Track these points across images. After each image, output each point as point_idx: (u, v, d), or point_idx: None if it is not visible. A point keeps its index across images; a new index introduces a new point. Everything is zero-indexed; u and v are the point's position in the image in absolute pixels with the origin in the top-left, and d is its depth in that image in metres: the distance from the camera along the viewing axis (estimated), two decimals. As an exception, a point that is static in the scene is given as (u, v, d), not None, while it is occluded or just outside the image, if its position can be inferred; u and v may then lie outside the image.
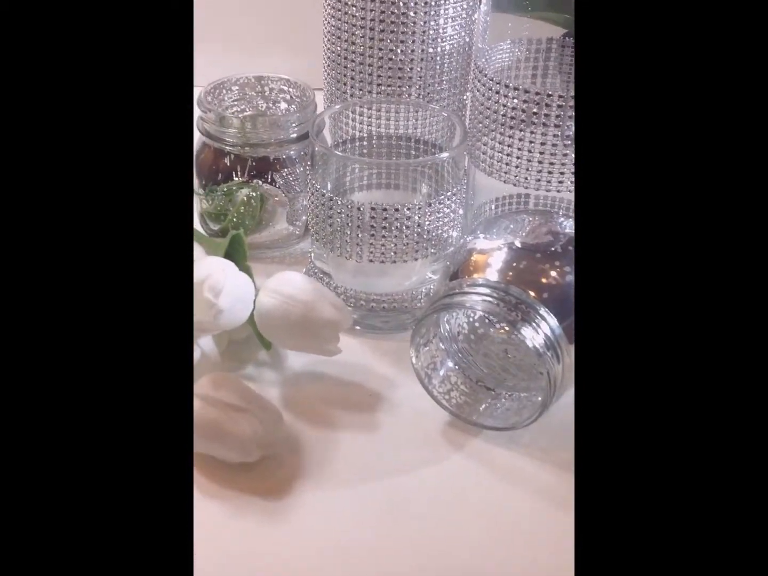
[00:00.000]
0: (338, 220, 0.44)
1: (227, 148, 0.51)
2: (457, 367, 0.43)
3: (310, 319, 0.40)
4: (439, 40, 0.49)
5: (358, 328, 0.47)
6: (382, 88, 0.50)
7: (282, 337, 0.42)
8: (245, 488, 0.38)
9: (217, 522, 0.37)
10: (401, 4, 0.47)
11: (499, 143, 0.46)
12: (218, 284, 0.37)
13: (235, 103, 0.54)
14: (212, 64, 0.73)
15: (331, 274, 0.48)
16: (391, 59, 0.49)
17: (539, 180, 0.46)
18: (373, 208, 0.43)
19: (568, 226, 0.42)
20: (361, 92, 0.50)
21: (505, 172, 0.47)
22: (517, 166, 0.46)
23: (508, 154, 0.46)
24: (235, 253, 0.47)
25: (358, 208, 0.43)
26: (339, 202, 0.44)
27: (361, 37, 0.49)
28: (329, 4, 0.50)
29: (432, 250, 0.45)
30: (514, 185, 0.48)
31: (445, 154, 0.45)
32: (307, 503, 0.38)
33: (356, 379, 0.44)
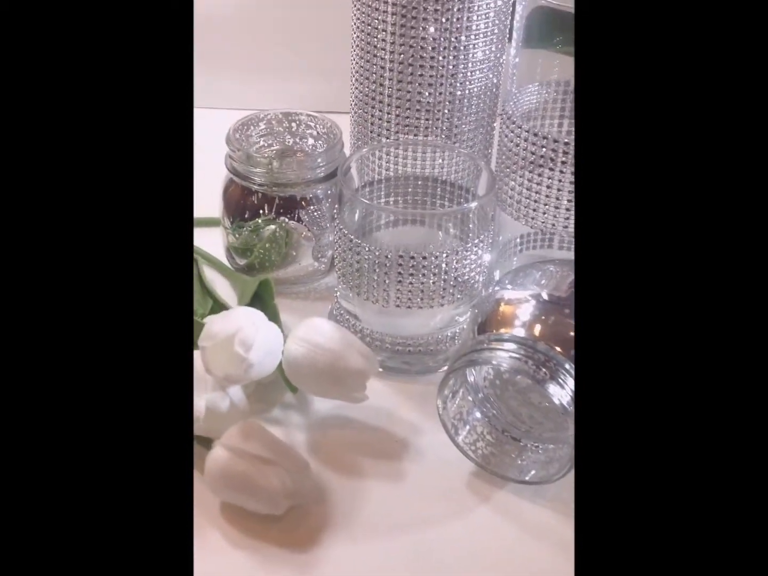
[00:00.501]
0: (365, 265, 0.45)
1: (254, 186, 0.51)
2: (484, 417, 0.43)
3: (337, 368, 0.41)
4: (467, 83, 0.49)
5: (381, 370, 0.47)
6: (409, 129, 0.50)
7: (309, 384, 0.42)
8: (273, 540, 0.38)
9: (245, 574, 0.37)
10: (430, 48, 0.47)
11: (527, 189, 0.46)
12: (249, 339, 0.38)
13: (262, 138, 0.55)
14: (242, 91, 0.74)
15: (357, 315, 0.48)
16: (419, 101, 0.49)
17: (566, 226, 0.46)
18: (400, 256, 0.43)
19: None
20: (387, 131, 0.50)
21: (532, 218, 0.47)
22: (544, 213, 0.46)
23: (535, 201, 0.46)
24: (263, 295, 0.48)
25: (386, 255, 0.44)
26: (366, 248, 0.44)
27: (389, 79, 0.49)
28: (357, 45, 0.50)
29: (458, 296, 0.45)
30: (542, 231, 0.48)
31: (473, 204, 0.45)
32: (334, 555, 0.38)
33: (382, 425, 0.44)
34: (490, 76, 0.50)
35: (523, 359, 0.38)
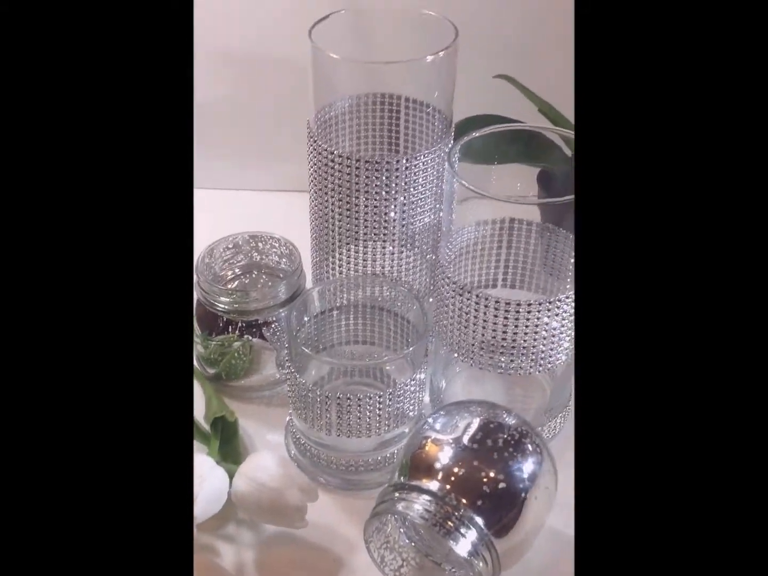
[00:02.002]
0: (314, 405, 0.50)
1: (220, 312, 0.56)
2: (409, 542, 0.48)
3: (278, 504, 0.46)
4: (410, 226, 0.54)
5: (322, 481, 0.53)
6: (366, 242, 0.55)
7: (253, 514, 0.48)
8: None
9: None
10: (384, 178, 0.52)
11: (459, 331, 0.51)
12: (194, 493, 0.43)
13: (231, 255, 0.60)
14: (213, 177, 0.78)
15: (304, 432, 0.53)
16: (375, 228, 0.54)
17: (502, 365, 0.52)
18: (348, 398, 0.49)
19: (511, 418, 0.48)
20: (340, 243, 0.55)
21: (468, 354, 0.52)
22: (481, 349, 0.51)
23: (472, 343, 0.51)
24: (219, 429, 0.54)
25: (327, 396, 0.49)
26: (316, 392, 0.49)
27: (347, 203, 0.53)
28: (314, 190, 0.55)
29: (394, 425, 0.51)
30: (470, 365, 0.53)
31: (409, 350, 0.51)
32: None
33: (322, 542, 0.50)
34: (432, 217, 0.55)
35: (431, 513, 0.43)
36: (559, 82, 0.65)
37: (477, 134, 0.52)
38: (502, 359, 0.52)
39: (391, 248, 0.55)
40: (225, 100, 0.73)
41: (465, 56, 0.65)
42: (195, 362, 0.60)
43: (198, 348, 0.59)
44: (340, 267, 0.57)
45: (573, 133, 0.63)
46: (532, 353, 0.51)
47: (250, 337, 0.57)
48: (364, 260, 0.56)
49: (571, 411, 0.57)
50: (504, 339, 0.50)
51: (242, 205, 0.76)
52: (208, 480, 0.44)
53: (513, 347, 0.51)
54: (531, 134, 0.56)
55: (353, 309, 0.56)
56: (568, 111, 0.64)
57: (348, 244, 0.55)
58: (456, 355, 0.52)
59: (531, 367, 0.51)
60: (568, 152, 0.59)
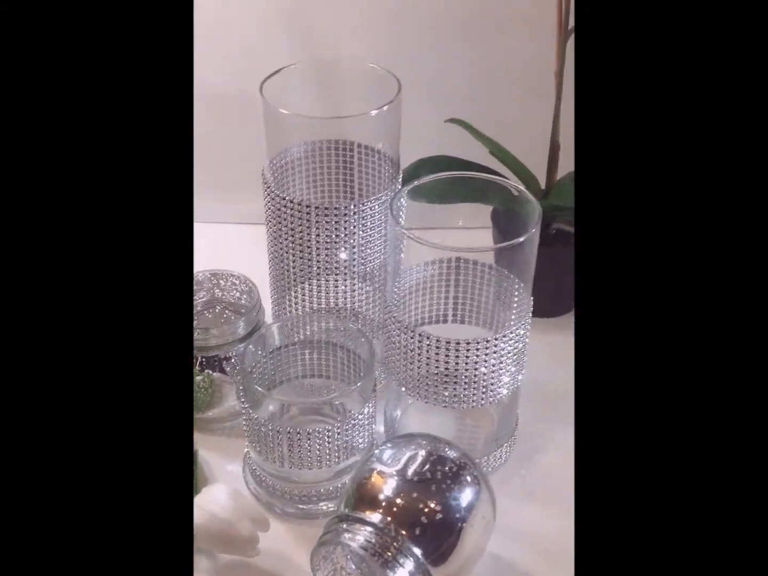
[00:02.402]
0: (267, 439, 0.53)
1: (181, 347, 0.59)
2: (357, 569, 0.51)
3: (229, 534, 0.49)
4: (362, 267, 0.57)
5: (278, 511, 0.55)
6: (319, 279, 0.58)
7: (208, 544, 0.50)
8: None
9: None
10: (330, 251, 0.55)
11: (405, 366, 0.54)
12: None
13: (195, 290, 0.63)
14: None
15: (259, 464, 0.56)
16: (328, 268, 0.57)
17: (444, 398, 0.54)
18: (298, 432, 0.51)
19: (452, 451, 0.50)
20: (295, 282, 0.59)
21: (414, 388, 0.55)
22: (426, 384, 0.54)
23: (417, 378, 0.54)
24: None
25: (278, 430, 0.52)
26: (270, 426, 0.52)
27: (300, 246, 0.56)
28: (270, 234, 0.58)
29: (344, 457, 0.53)
30: (417, 399, 0.56)
31: (357, 385, 0.53)
32: None
33: (277, 569, 0.53)
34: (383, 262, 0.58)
35: (370, 544, 0.46)
36: (508, 124, 0.68)
37: (424, 180, 0.55)
38: (446, 393, 0.55)
39: (343, 287, 0.58)
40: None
41: (419, 102, 0.69)
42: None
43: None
44: (296, 303, 0.60)
45: (517, 175, 0.67)
46: (473, 388, 0.53)
47: (211, 372, 0.60)
48: (318, 297, 0.59)
49: (515, 440, 0.60)
50: (446, 375, 0.53)
51: (203, 238, 0.78)
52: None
53: (455, 382, 0.54)
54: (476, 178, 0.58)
55: (309, 344, 0.58)
56: (517, 151, 0.68)
57: (303, 282, 0.58)
58: (403, 389, 0.55)
59: (473, 401, 0.54)
60: (515, 192, 0.61)
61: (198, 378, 0.60)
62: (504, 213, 0.64)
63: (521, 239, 0.50)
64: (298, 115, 0.52)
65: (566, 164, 0.67)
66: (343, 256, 0.56)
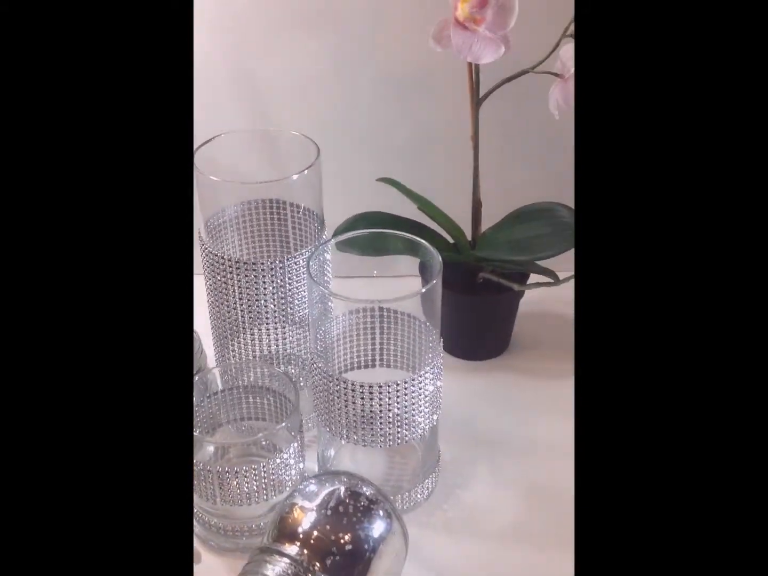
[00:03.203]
0: (200, 479, 0.57)
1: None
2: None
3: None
4: (293, 315, 0.62)
5: (213, 545, 0.60)
6: (253, 328, 0.63)
7: None
8: None
9: None
10: (263, 301, 0.60)
11: (330, 411, 0.59)
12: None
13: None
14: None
15: (196, 502, 0.60)
16: (259, 319, 0.62)
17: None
18: (227, 471, 0.56)
19: (368, 488, 0.55)
20: (233, 332, 0.64)
21: (338, 430, 0.60)
22: (348, 427, 0.59)
23: (340, 421, 0.59)
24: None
25: (208, 469, 0.56)
26: (201, 466, 0.56)
27: (234, 316, 0.62)
28: (208, 290, 0.63)
29: (273, 494, 0.58)
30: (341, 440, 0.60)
31: (282, 425, 0.58)
32: None
33: (210, 600, 0.57)
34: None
35: (288, 574, 0.51)
36: (434, 183, 0.74)
37: (352, 234, 0.61)
38: (365, 434, 0.59)
39: (275, 334, 0.63)
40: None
41: (352, 162, 0.74)
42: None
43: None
44: (235, 351, 0.65)
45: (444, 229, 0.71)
46: (389, 428, 0.58)
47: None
48: (253, 345, 0.64)
49: (438, 473, 0.64)
50: (363, 416, 0.58)
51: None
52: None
53: (372, 423, 0.58)
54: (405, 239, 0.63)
55: (245, 389, 0.63)
56: (444, 207, 0.73)
57: (241, 332, 0.63)
58: (328, 430, 0.60)
59: (389, 440, 0.59)
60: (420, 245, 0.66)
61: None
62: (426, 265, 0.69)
63: (423, 289, 0.56)
64: (228, 182, 0.57)
65: (489, 219, 0.73)
66: (271, 307, 0.61)
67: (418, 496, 0.63)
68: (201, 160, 0.58)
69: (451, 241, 0.74)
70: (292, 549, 0.52)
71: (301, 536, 0.52)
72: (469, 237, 0.74)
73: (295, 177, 0.58)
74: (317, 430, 0.64)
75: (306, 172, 0.58)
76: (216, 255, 0.60)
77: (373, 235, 0.63)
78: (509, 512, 0.63)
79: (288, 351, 0.65)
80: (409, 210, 0.72)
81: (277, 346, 0.64)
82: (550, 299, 0.79)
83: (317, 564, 0.51)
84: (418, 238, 0.60)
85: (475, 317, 0.75)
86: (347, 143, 0.74)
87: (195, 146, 0.59)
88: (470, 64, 0.65)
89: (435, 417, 0.61)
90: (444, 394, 0.62)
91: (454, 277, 0.69)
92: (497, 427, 0.70)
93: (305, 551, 0.51)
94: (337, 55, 0.73)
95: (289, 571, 0.51)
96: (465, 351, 0.76)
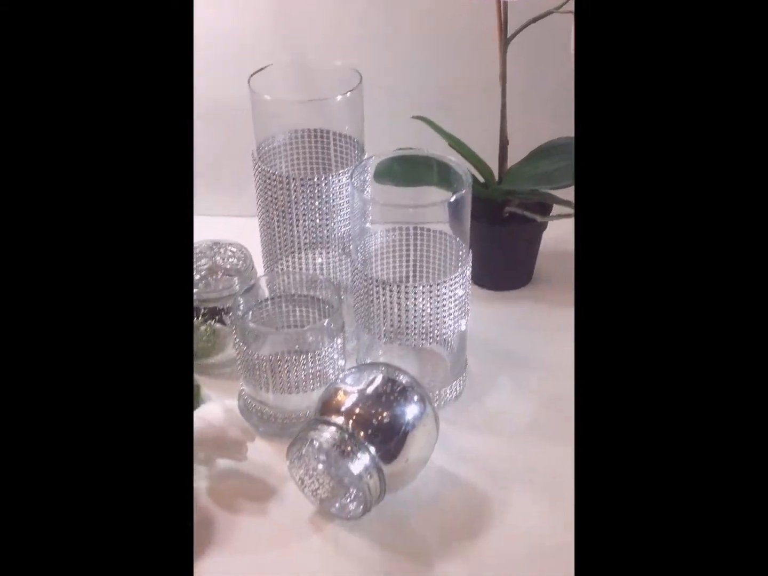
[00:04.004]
0: (255, 369, 0.64)
1: (186, 301, 0.71)
2: (324, 469, 0.62)
3: (221, 438, 0.61)
4: (336, 230, 0.69)
5: (262, 430, 0.67)
6: (301, 251, 0.70)
7: (204, 449, 0.62)
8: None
9: None
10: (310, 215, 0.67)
11: (368, 309, 0.66)
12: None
13: (197, 259, 0.75)
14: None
15: (251, 395, 0.67)
16: (304, 240, 0.69)
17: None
18: (279, 360, 0.63)
19: (405, 377, 0.61)
20: (282, 251, 0.70)
21: (373, 326, 0.66)
22: (378, 325, 0.66)
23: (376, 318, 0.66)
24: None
25: (264, 359, 0.63)
26: (256, 357, 0.64)
27: (284, 227, 0.69)
28: (260, 206, 0.70)
29: (318, 384, 0.65)
30: (377, 336, 0.67)
31: (325, 321, 0.65)
32: (214, 563, 0.58)
33: (260, 475, 0.64)
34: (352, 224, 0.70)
35: (336, 438, 0.57)
36: (464, 122, 0.80)
37: (391, 159, 0.67)
38: (400, 334, 0.66)
39: (320, 259, 0.70)
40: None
41: (387, 102, 0.81)
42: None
43: (171, 334, 0.73)
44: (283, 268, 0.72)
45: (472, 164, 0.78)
46: (422, 327, 0.65)
47: (213, 322, 0.72)
48: (299, 266, 0.71)
49: (465, 377, 0.71)
50: (399, 316, 0.64)
51: (203, 229, 0.89)
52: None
53: (406, 323, 0.65)
54: (438, 163, 0.70)
55: (291, 297, 0.70)
56: (473, 145, 0.79)
57: (289, 253, 0.70)
58: (367, 332, 0.67)
59: (423, 339, 0.65)
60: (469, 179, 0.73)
61: (201, 328, 0.71)
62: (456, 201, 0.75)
63: (453, 197, 0.62)
64: (279, 101, 0.64)
65: (514, 156, 0.79)
66: (317, 221, 0.68)
67: (447, 396, 0.69)
68: (255, 85, 0.65)
69: (481, 180, 0.81)
70: (337, 419, 0.58)
71: (344, 411, 0.59)
72: (496, 174, 0.80)
73: (339, 98, 0.65)
74: (356, 341, 0.71)
75: (348, 94, 0.65)
76: (268, 171, 0.67)
77: (408, 166, 0.70)
78: (527, 415, 0.69)
79: (329, 274, 0.72)
80: (440, 148, 0.79)
81: (324, 269, 0.71)
82: (571, 237, 0.85)
83: (360, 433, 0.58)
84: (450, 159, 0.67)
85: (502, 248, 0.81)
86: (383, 84, 0.80)
87: (248, 75, 0.66)
88: (499, 6, 0.71)
89: (463, 322, 0.67)
90: (471, 319, 0.69)
91: (482, 212, 0.76)
92: (520, 347, 0.76)
93: (349, 422, 0.58)
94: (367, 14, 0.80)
95: (336, 436, 0.57)
96: (492, 282, 0.82)
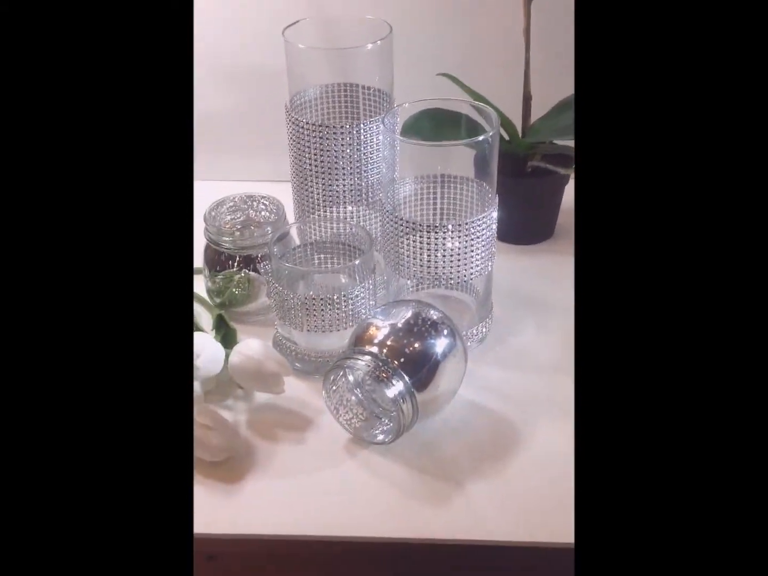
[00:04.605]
0: (290, 308, 0.67)
1: (223, 249, 0.74)
2: (357, 400, 0.65)
3: (260, 370, 0.64)
4: (365, 180, 0.72)
5: (297, 367, 0.70)
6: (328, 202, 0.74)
7: (244, 381, 0.65)
8: (216, 477, 0.61)
9: (199, 497, 0.60)
10: (341, 163, 0.70)
11: (398, 252, 0.69)
12: (197, 351, 0.61)
13: (231, 213, 0.78)
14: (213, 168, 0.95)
15: (285, 336, 0.70)
16: (335, 189, 0.72)
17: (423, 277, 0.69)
18: (314, 299, 0.66)
19: (435, 312, 0.64)
20: (312, 206, 0.73)
21: (403, 269, 0.69)
22: (408, 267, 0.69)
23: (407, 260, 0.69)
24: (221, 325, 0.71)
25: (301, 298, 0.66)
26: (291, 296, 0.67)
27: (315, 177, 0.72)
28: (292, 156, 0.73)
29: (351, 324, 0.68)
30: (408, 279, 0.70)
31: (357, 261, 0.68)
32: (254, 488, 0.61)
33: (297, 409, 0.67)
34: (380, 173, 0.73)
35: (371, 365, 0.60)
36: (488, 79, 0.83)
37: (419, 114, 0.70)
38: (429, 274, 0.69)
39: (350, 208, 0.73)
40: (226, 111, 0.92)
41: (415, 58, 0.83)
42: (205, 295, 0.78)
43: (207, 283, 0.77)
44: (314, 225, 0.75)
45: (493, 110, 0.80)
46: (450, 267, 0.68)
47: (247, 270, 0.75)
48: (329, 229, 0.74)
49: (491, 320, 0.74)
50: (428, 254, 0.67)
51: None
52: (208, 347, 0.62)
53: (435, 263, 0.68)
54: (466, 118, 0.73)
55: (322, 244, 0.73)
56: (498, 102, 0.82)
57: (320, 205, 0.73)
58: (396, 273, 0.70)
59: (451, 280, 0.68)
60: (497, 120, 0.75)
61: (237, 276, 0.75)
62: (481, 158, 0.78)
63: (480, 137, 0.65)
64: (312, 48, 0.68)
65: (537, 112, 0.82)
66: (348, 168, 0.71)
67: (476, 334, 0.72)
68: (289, 37, 0.69)
69: (505, 137, 0.83)
70: (372, 349, 0.61)
71: (377, 342, 0.62)
72: (519, 130, 0.83)
73: (369, 46, 0.68)
74: (385, 291, 0.74)
75: (379, 42, 0.68)
76: (299, 120, 0.70)
77: (436, 121, 0.73)
78: (549, 353, 0.72)
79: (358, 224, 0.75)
80: (464, 107, 0.82)
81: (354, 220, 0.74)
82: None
83: (395, 361, 0.61)
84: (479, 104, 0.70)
85: (525, 202, 0.84)
86: (410, 41, 0.83)
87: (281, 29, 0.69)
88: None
89: (490, 264, 0.70)
90: (495, 270, 0.72)
91: (505, 167, 0.78)
92: (542, 295, 0.79)
93: (383, 351, 0.61)
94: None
95: (371, 364, 0.60)
96: (514, 236, 0.85)
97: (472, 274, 0.69)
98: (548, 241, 0.86)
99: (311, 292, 0.67)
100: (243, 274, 0.75)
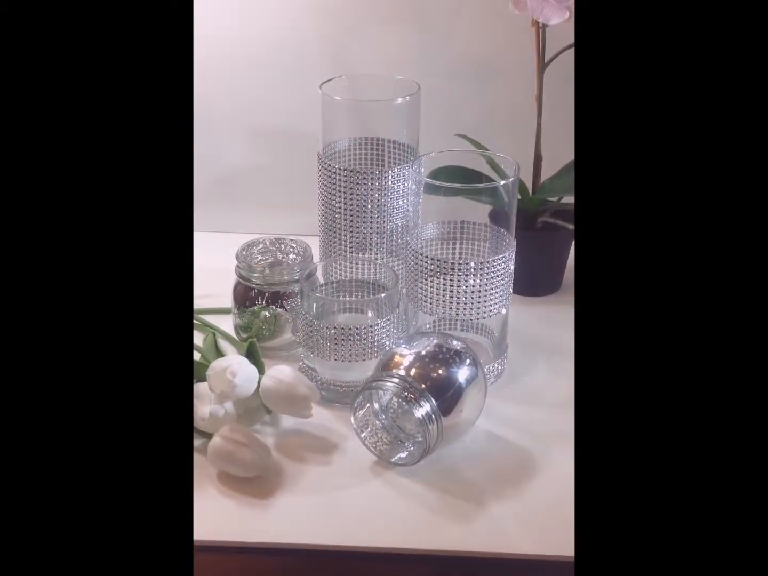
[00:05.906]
0: (318, 337, 0.71)
1: (253, 285, 0.79)
2: (380, 424, 0.68)
3: (291, 394, 0.67)
4: (390, 224, 0.77)
5: (324, 394, 0.73)
6: (354, 246, 0.78)
7: (274, 404, 0.68)
8: (246, 493, 0.64)
9: (226, 511, 0.63)
10: (368, 206, 0.76)
11: (422, 290, 0.73)
12: (235, 370, 0.65)
13: (260, 254, 0.82)
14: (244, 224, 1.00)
15: (314, 368, 0.74)
16: (362, 231, 0.77)
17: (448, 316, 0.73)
18: (342, 328, 0.70)
19: (458, 344, 0.68)
20: (339, 249, 0.78)
21: (425, 305, 0.74)
22: (431, 304, 0.73)
23: (430, 297, 0.73)
24: (252, 353, 0.75)
25: (327, 330, 0.70)
26: (318, 324, 0.71)
27: (343, 220, 0.77)
28: (321, 201, 0.78)
29: (375, 354, 0.72)
30: (429, 314, 0.74)
31: (382, 295, 0.72)
32: (282, 504, 0.63)
33: (323, 434, 0.70)
34: (404, 219, 0.78)
35: (399, 387, 0.64)
36: (504, 139, 0.89)
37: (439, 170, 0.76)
38: (446, 310, 0.73)
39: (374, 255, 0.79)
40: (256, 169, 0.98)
41: (436, 123, 0.89)
42: (232, 332, 0.82)
43: (235, 320, 0.81)
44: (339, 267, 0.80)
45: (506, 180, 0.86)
46: (467, 305, 0.72)
47: (275, 307, 0.79)
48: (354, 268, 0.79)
49: (506, 359, 0.78)
50: (447, 291, 0.72)
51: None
52: (244, 367, 0.66)
53: (451, 300, 0.72)
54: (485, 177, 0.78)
55: (348, 282, 0.78)
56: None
57: (346, 248, 0.78)
58: (414, 305, 0.74)
59: (467, 315, 0.73)
60: (505, 197, 0.81)
61: (264, 312, 0.79)
62: (496, 213, 0.83)
63: (501, 182, 0.70)
64: (345, 100, 0.73)
65: (547, 171, 0.88)
66: (374, 211, 0.76)
67: (489, 374, 0.76)
68: (325, 90, 0.75)
69: (518, 195, 0.89)
70: (399, 372, 0.65)
71: (403, 368, 0.66)
72: (530, 188, 0.89)
73: (399, 101, 0.74)
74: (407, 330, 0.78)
75: (408, 98, 0.74)
76: (330, 165, 0.75)
77: (457, 178, 0.78)
78: (562, 392, 0.76)
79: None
80: (479, 164, 0.88)
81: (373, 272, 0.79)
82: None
83: (421, 384, 0.64)
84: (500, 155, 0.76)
85: (535, 254, 0.89)
86: (433, 112, 0.89)
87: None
88: (537, 34, 0.81)
89: (506, 304, 0.75)
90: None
91: (517, 222, 0.83)
92: (553, 339, 0.83)
93: (410, 373, 0.65)
94: (420, 42, 0.90)
95: (399, 385, 0.64)
96: (523, 288, 0.90)
97: (491, 311, 0.73)
98: (556, 293, 0.91)
99: (339, 325, 0.71)
100: (271, 311, 0.79)
